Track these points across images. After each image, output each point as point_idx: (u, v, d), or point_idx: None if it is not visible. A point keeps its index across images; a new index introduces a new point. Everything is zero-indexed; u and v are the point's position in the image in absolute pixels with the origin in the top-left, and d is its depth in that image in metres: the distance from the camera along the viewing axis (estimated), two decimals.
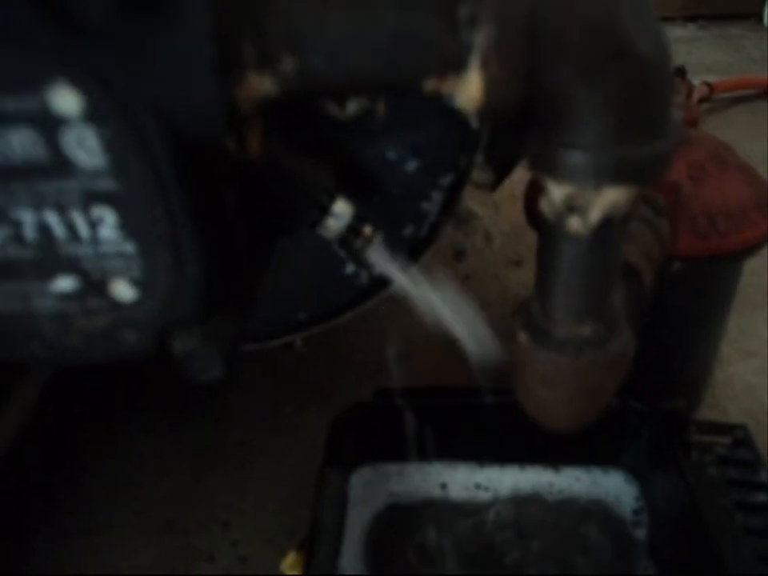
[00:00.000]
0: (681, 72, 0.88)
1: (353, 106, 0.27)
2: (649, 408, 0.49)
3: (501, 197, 0.51)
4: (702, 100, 1.02)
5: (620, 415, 0.49)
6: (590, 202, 0.20)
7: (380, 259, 0.29)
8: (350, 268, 0.34)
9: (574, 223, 0.21)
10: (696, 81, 1.12)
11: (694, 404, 0.55)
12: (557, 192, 0.20)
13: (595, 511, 0.48)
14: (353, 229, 0.28)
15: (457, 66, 0.18)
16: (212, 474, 0.54)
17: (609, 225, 0.21)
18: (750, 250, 0.44)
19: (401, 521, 0.46)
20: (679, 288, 0.45)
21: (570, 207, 0.20)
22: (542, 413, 0.25)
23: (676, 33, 1.63)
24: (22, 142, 0.17)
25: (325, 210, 0.27)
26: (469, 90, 0.18)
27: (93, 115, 0.16)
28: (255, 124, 0.19)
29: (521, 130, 0.21)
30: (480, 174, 0.37)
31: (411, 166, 0.31)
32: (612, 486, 0.49)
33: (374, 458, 0.49)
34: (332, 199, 0.27)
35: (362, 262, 0.33)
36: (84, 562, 0.48)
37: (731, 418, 0.56)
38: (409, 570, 0.43)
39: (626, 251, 0.35)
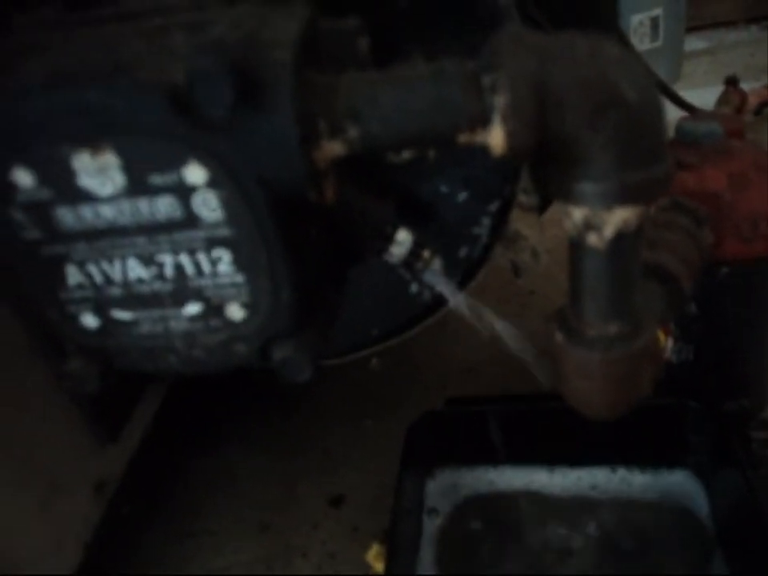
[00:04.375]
0: (733, 81, 0.89)
1: (407, 152, 0.32)
2: (710, 408, 0.51)
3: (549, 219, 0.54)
4: (764, 104, 1.02)
5: (683, 417, 0.51)
6: (603, 221, 0.24)
7: (437, 280, 0.34)
8: (414, 287, 0.39)
9: (593, 239, 0.25)
10: (759, 84, 1.11)
11: (759, 404, 0.56)
12: (576, 214, 0.25)
13: (665, 509, 0.50)
14: (413, 253, 0.33)
15: (483, 123, 0.23)
16: (300, 480, 0.60)
17: (622, 238, 0.25)
18: None
19: (469, 517, 0.50)
20: (729, 292, 0.48)
21: (588, 226, 0.25)
22: (581, 403, 0.29)
23: (738, 36, 1.60)
24: (166, 205, 0.23)
25: (389, 239, 0.32)
26: (494, 140, 0.23)
27: (214, 183, 0.23)
28: (330, 177, 0.25)
29: (543, 166, 0.26)
30: (527, 198, 0.41)
31: (462, 196, 0.36)
32: (679, 485, 0.51)
33: (447, 461, 0.53)
34: (394, 229, 0.33)
35: (423, 282, 0.38)
36: (192, 559, 0.55)
37: None
38: (476, 562, 0.47)
39: (665, 259, 0.39)
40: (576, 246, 0.26)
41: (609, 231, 0.25)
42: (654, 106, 0.23)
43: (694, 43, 1.51)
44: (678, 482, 0.51)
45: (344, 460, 0.61)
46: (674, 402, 0.50)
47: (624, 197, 0.23)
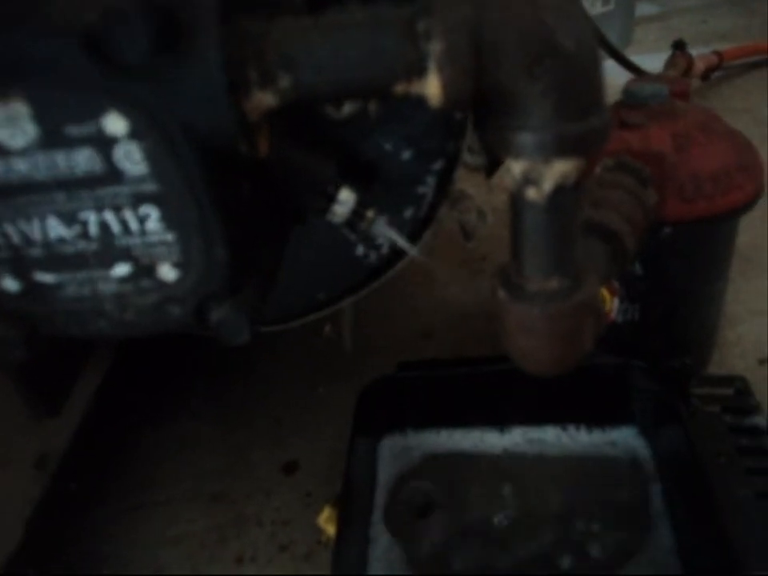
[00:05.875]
0: (680, 45, 0.90)
1: (347, 108, 0.31)
2: (655, 367, 0.52)
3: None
4: (711, 69, 1.03)
5: (628, 376, 0.52)
6: (542, 174, 0.24)
7: (383, 230, 0.33)
8: (359, 250, 0.39)
9: (531, 193, 0.25)
10: (710, 49, 1.12)
11: (701, 362, 0.57)
12: (515, 167, 0.24)
13: (609, 466, 0.51)
14: (357, 213, 0.32)
15: (419, 72, 0.22)
16: (253, 449, 0.59)
17: (561, 192, 0.24)
18: (737, 211, 0.46)
19: (421, 479, 0.50)
20: (673, 251, 0.48)
21: (527, 179, 0.24)
22: (525, 359, 0.29)
23: (690, 2, 1.62)
24: (85, 159, 0.22)
25: (331, 198, 0.32)
26: (430, 90, 0.22)
27: (136, 134, 0.21)
28: (262, 129, 0.24)
29: (484, 119, 0.25)
30: (473, 158, 0.41)
31: (406, 154, 0.35)
32: (623, 442, 0.52)
33: (399, 425, 0.53)
34: (337, 188, 0.32)
35: (369, 243, 0.38)
36: (143, 531, 0.54)
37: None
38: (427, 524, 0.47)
39: (609, 218, 0.39)
40: (516, 201, 0.26)
41: (548, 185, 0.24)
42: (592, 56, 0.22)
43: (646, 8, 1.52)
44: (624, 438, 0.53)
45: (297, 427, 0.60)
46: (620, 361, 0.52)
47: (562, 148, 0.23)
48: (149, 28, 0.19)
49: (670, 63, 0.87)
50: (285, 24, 0.23)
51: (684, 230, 0.47)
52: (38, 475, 0.45)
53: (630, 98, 0.49)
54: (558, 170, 0.24)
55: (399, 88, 0.23)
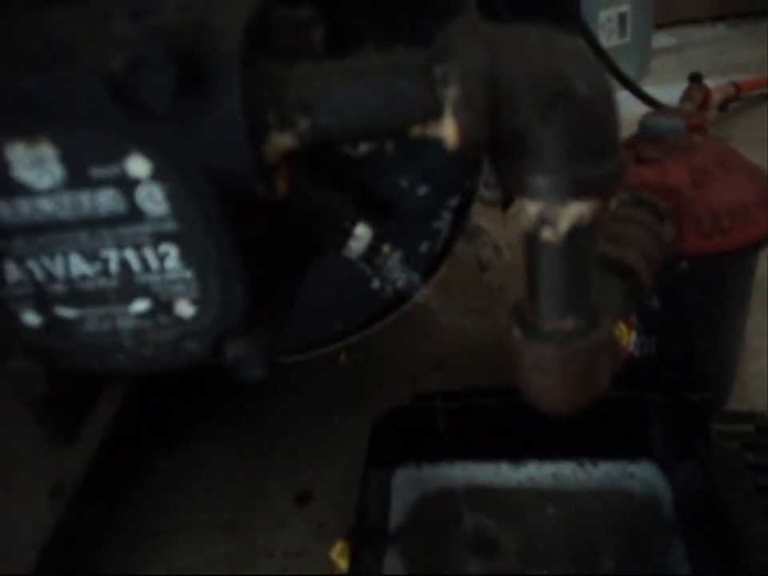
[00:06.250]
0: (696, 77, 0.90)
1: (364, 146, 0.31)
2: (672, 401, 0.51)
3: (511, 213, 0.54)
4: (728, 100, 1.03)
5: (646, 410, 0.52)
6: (557, 216, 0.24)
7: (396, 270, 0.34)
8: (375, 283, 0.39)
9: (547, 234, 0.25)
10: (727, 80, 1.13)
11: (721, 396, 0.57)
12: (531, 208, 0.25)
13: (626, 501, 0.50)
14: (373, 248, 0.33)
15: (435, 115, 0.22)
16: (267, 478, 0.59)
17: (577, 233, 0.25)
18: (755, 245, 0.46)
19: (435, 513, 0.50)
20: (690, 285, 0.48)
21: (542, 220, 0.24)
22: (539, 398, 0.29)
23: (706, 33, 1.62)
24: (108, 199, 0.22)
25: (347, 234, 0.32)
26: (446, 133, 0.23)
27: (158, 175, 0.22)
28: (281, 170, 0.24)
29: (500, 160, 0.25)
30: (489, 192, 0.41)
31: (422, 190, 0.35)
32: (641, 477, 0.52)
33: (412, 457, 0.53)
34: (353, 224, 0.32)
35: (385, 277, 0.38)
36: (156, 559, 0.54)
37: (761, 409, 0.57)
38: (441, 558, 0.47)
39: (626, 254, 0.39)
40: (531, 241, 0.26)
41: (563, 226, 0.24)
42: (606, 100, 0.23)
43: (662, 40, 1.53)
44: (642, 474, 0.52)
45: (311, 457, 0.60)
46: (637, 395, 0.51)
47: (577, 191, 0.23)
48: (173, 74, 0.20)
49: (686, 96, 0.87)
50: (303, 68, 0.23)
51: (702, 264, 0.46)
52: (53, 503, 0.46)
53: (646, 133, 0.49)
54: (574, 212, 0.24)
55: (415, 131, 0.23)
